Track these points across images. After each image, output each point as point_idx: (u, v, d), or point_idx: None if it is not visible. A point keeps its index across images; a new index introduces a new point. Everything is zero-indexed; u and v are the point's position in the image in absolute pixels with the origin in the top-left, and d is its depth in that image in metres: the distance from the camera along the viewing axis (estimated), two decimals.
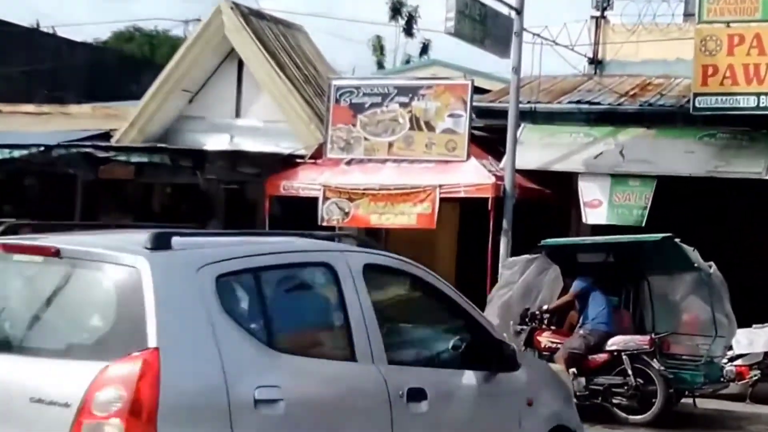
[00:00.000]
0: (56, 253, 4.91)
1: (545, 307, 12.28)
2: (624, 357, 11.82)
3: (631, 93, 16.39)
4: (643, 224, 14.45)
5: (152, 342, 4.55)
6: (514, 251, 14.17)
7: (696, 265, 11.95)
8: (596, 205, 15.14)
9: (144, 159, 17.62)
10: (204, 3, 22.28)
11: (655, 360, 11.75)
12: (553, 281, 12.68)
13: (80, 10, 57.28)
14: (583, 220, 15.31)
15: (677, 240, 11.89)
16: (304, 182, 16.10)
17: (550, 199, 15.96)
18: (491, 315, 12.38)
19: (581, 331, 12.09)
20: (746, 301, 14.18)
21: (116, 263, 4.85)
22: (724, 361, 13.32)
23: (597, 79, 17.46)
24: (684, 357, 12.14)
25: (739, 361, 13.35)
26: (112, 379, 4.48)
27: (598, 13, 18.12)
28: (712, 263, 12.12)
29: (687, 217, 15.38)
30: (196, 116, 18.66)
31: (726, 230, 16.22)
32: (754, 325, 13.53)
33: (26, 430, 4.60)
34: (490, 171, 15.36)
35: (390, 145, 16.14)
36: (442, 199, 15.20)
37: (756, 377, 13.31)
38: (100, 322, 4.91)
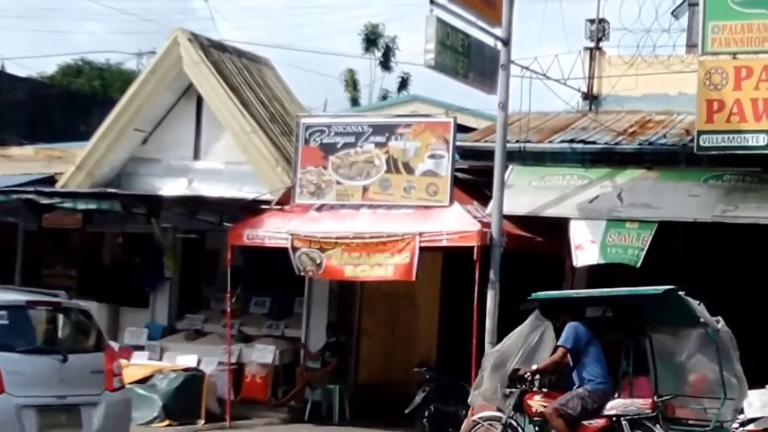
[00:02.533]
0: None
1: (534, 366, 12.24)
2: (624, 423, 11.80)
3: (630, 131, 16.42)
4: (638, 264, 14.46)
5: None
6: (503, 305, 14.15)
7: (702, 320, 11.93)
8: (587, 246, 15.16)
9: (92, 206, 17.43)
10: (160, 34, 22.32)
11: (658, 426, 11.74)
12: (547, 339, 12.65)
13: (23, 41, 57.11)
14: (573, 263, 15.26)
15: (681, 292, 11.89)
16: (270, 231, 16.06)
17: (541, 247, 15.94)
18: (485, 376, 12.39)
19: (580, 390, 12.04)
20: (758, 359, 14.24)
21: None
22: (735, 425, 13.32)
23: (592, 115, 17.51)
24: (690, 422, 12.08)
25: (751, 426, 13.33)
26: None
27: (592, 44, 18.11)
28: (719, 318, 12.11)
29: (692, 265, 15.45)
30: (150, 158, 18.64)
31: (736, 280, 16.26)
32: (767, 386, 13.53)
33: None
34: (475, 217, 15.36)
35: (365, 189, 16.13)
36: (422, 249, 15.16)
37: None
38: None
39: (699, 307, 11.93)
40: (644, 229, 14.84)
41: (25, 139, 22.32)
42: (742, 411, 13.37)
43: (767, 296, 16.31)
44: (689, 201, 14.98)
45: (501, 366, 12.44)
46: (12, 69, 31.16)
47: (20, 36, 60.76)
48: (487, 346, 13.55)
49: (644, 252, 14.64)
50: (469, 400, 12.76)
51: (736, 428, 13.31)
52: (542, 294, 12.66)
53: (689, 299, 11.90)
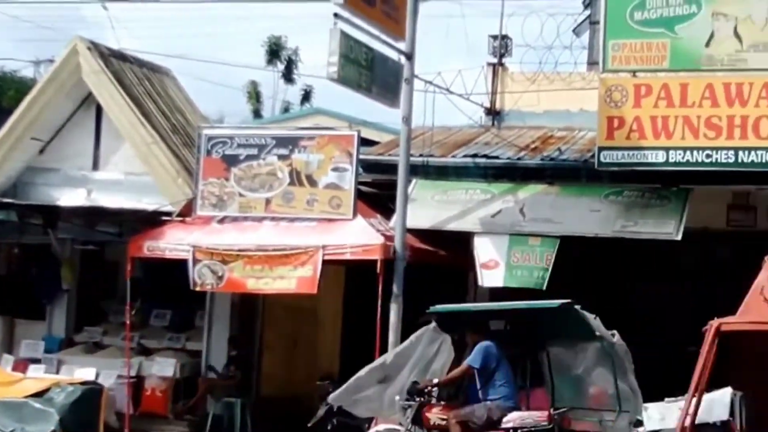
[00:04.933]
0: None
1: (435, 380, 12.32)
2: None
3: (532, 146, 16.56)
4: (544, 287, 14.58)
5: None
6: (406, 318, 14.21)
7: (598, 334, 12.14)
8: (493, 266, 15.26)
9: None
10: (58, 42, 21.99)
11: None
12: (443, 351, 12.75)
13: None
14: (479, 282, 15.43)
15: (578, 307, 12.08)
16: (171, 242, 15.95)
17: (444, 261, 16.06)
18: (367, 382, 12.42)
19: (489, 403, 12.16)
20: (658, 372, 14.49)
21: None
22: None
23: (495, 131, 17.63)
24: None
25: None
26: None
27: (495, 60, 18.26)
28: (615, 332, 12.34)
29: (592, 280, 15.67)
30: (48, 168, 18.34)
31: (635, 294, 16.53)
32: (666, 399, 13.73)
33: None
34: (378, 230, 15.42)
35: (267, 201, 16.11)
36: (325, 262, 15.18)
37: None
38: None
39: (595, 321, 12.14)
40: (547, 246, 15.01)
41: None
42: (640, 423, 13.61)
43: (665, 310, 16.68)
44: (590, 216, 15.17)
45: (390, 379, 12.49)
46: None
47: None
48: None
49: (549, 272, 14.82)
50: (330, 399, 12.77)
51: None
52: (440, 307, 12.77)
53: (585, 313, 12.10)
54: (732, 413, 13.58)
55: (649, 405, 13.57)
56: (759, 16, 14.15)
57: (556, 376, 12.65)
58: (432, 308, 12.76)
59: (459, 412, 12.10)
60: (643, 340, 14.78)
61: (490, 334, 12.55)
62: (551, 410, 12.14)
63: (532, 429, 11.92)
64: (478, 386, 12.29)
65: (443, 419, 12.13)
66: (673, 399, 13.67)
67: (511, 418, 12.04)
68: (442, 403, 12.32)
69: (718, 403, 13.50)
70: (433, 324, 12.71)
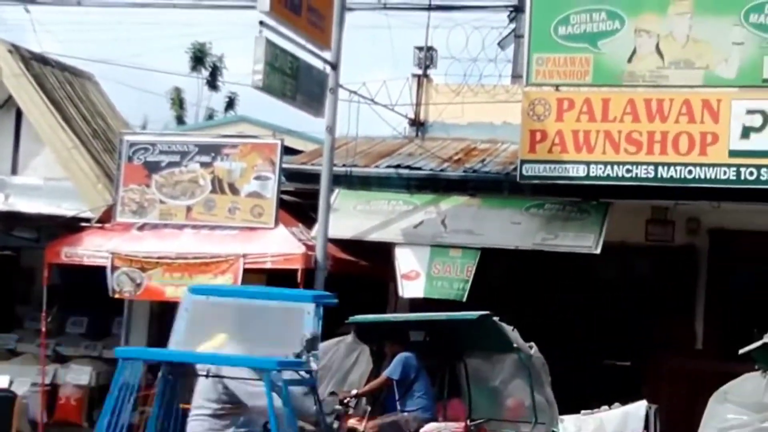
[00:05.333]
0: None
1: (354, 391, 12.29)
2: None
3: (455, 158, 16.61)
4: (464, 299, 14.61)
5: None
6: (326, 328, 14.15)
7: (515, 345, 12.21)
8: (413, 277, 15.27)
9: None
10: None
11: None
12: (361, 362, 12.73)
13: None
14: (400, 293, 15.42)
15: (496, 319, 12.13)
16: (89, 249, 15.76)
17: (366, 271, 16.05)
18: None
19: (406, 415, 12.18)
20: (575, 384, 14.60)
21: None
22: None
23: (418, 142, 17.67)
24: None
25: None
26: None
27: (420, 72, 18.30)
28: (532, 344, 12.42)
29: (512, 292, 15.74)
30: None
31: (554, 307, 16.64)
32: (582, 411, 13.84)
33: None
34: (300, 240, 15.37)
35: (189, 209, 16.00)
36: (246, 270, 15.09)
37: None
38: None
39: (513, 333, 12.20)
40: (468, 257, 15.03)
41: None
42: None
43: (583, 323, 16.81)
44: (511, 228, 15.22)
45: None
46: None
47: None
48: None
49: (469, 284, 14.83)
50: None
51: None
52: (359, 317, 12.75)
53: (503, 325, 12.16)
54: (647, 426, 13.74)
55: (566, 417, 13.68)
56: (680, 34, 14.34)
57: (474, 388, 12.70)
58: (351, 318, 12.75)
59: (376, 423, 12.09)
60: (561, 353, 14.90)
61: (409, 345, 12.56)
62: (468, 421, 12.19)
63: None
64: (397, 397, 12.31)
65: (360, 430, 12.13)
66: (589, 411, 13.78)
67: (428, 429, 12.07)
68: (359, 413, 12.29)
69: (633, 416, 13.64)
70: (352, 334, 12.68)
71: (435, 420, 12.24)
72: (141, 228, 16.05)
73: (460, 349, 12.71)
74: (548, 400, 12.46)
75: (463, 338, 12.60)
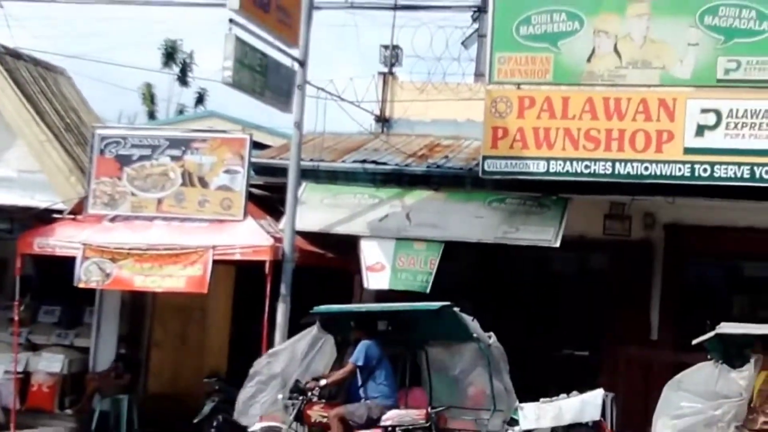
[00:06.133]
0: None
1: (323, 381, 12.32)
2: None
3: (420, 154, 16.65)
4: (428, 291, 14.61)
5: None
6: (293, 318, 14.18)
7: (475, 335, 12.26)
8: (379, 269, 15.26)
9: None
10: None
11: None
12: (325, 352, 12.75)
13: None
14: (365, 285, 15.42)
15: (456, 309, 12.18)
16: (61, 240, 15.68)
17: (332, 263, 16.06)
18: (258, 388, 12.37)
19: (369, 402, 12.23)
20: (534, 373, 14.67)
21: None
22: None
23: (384, 138, 17.69)
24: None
25: None
26: None
27: (386, 69, 18.32)
28: (491, 333, 12.47)
29: (474, 283, 15.79)
30: None
31: (514, 298, 16.71)
32: (542, 399, 13.91)
33: None
34: (268, 232, 15.35)
35: (159, 201, 15.97)
36: (215, 261, 15.06)
37: None
38: None
39: (472, 323, 12.25)
40: (431, 250, 15.06)
41: None
42: (515, 422, 13.76)
43: (542, 314, 16.89)
44: (474, 222, 15.25)
45: (273, 378, 12.45)
46: None
47: None
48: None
49: (432, 276, 14.85)
50: (235, 416, 12.68)
51: None
52: (323, 308, 12.77)
53: (463, 315, 12.21)
54: (604, 413, 13.83)
55: (525, 405, 13.76)
56: (638, 35, 14.42)
57: (435, 376, 12.74)
58: (315, 309, 12.76)
59: (340, 410, 12.14)
60: (520, 343, 14.97)
61: (373, 334, 12.59)
62: (429, 409, 12.23)
63: (410, 427, 12.01)
64: (359, 383, 12.34)
65: (324, 416, 12.15)
66: (548, 399, 13.86)
67: (390, 416, 12.12)
68: (323, 401, 12.31)
69: (590, 404, 13.72)
70: (317, 324, 12.71)
71: (397, 407, 12.28)
72: (112, 220, 16.00)
73: (422, 339, 12.75)
74: (506, 387, 12.52)
75: (425, 328, 12.64)
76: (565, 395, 13.88)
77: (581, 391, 13.90)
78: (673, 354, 13.37)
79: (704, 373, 10.95)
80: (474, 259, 15.50)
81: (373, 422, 12.10)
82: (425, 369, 12.75)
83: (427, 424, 12.03)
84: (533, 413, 13.82)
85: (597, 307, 16.79)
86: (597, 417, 13.75)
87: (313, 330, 12.72)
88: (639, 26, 14.45)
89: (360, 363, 12.30)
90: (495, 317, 14.44)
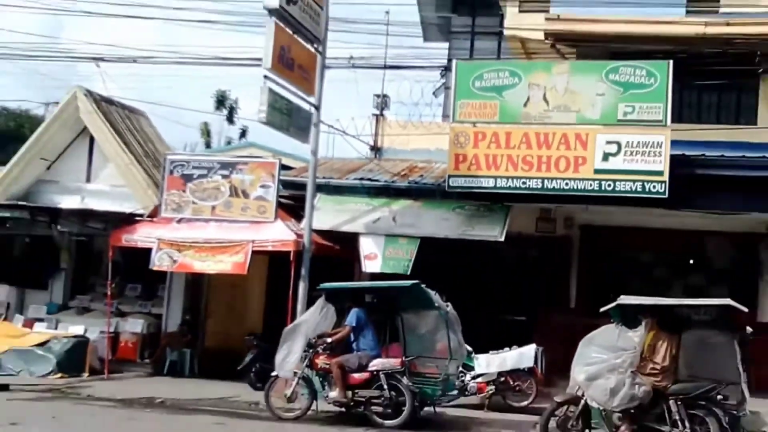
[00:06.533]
0: None
1: (329, 340, 12.28)
2: (381, 375, 11.97)
3: (402, 173, 16.56)
4: (408, 272, 14.56)
5: None
6: (310, 293, 14.12)
7: (437, 305, 12.24)
8: (373, 258, 15.25)
9: (6, 214, 16.91)
10: (62, 89, 21.43)
11: (404, 377, 11.95)
12: (329, 317, 12.69)
13: None
14: (363, 269, 15.40)
15: (423, 286, 12.17)
16: (141, 236, 15.65)
17: (338, 253, 16.01)
18: (295, 346, 12.29)
19: (360, 353, 12.20)
20: (485, 333, 14.65)
21: None
22: (468, 378, 13.65)
23: (376, 162, 17.62)
24: (427, 375, 12.30)
25: (479, 379, 13.68)
26: None
27: (378, 112, 18.32)
28: (449, 303, 12.43)
29: (443, 267, 15.73)
30: (52, 180, 17.91)
31: (469, 279, 16.68)
32: (491, 351, 13.91)
33: None
34: (292, 230, 15.30)
35: (213, 208, 15.88)
36: (253, 252, 15.04)
37: (491, 392, 13.68)
38: None
39: (435, 296, 12.23)
40: (411, 244, 15.07)
41: None
42: (472, 368, 13.75)
43: (491, 290, 16.86)
44: (442, 223, 15.25)
45: (298, 340, 12.39)
46: None
47: None
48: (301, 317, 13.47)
49: (411, 262, 14.88)
50: (276, 372, 12.57)
51: (469, 380, 13.66)
52: (327, 285, 12.73)
53: (428, 290, 12.17)
54: (535, 362, 13.84)
55: (479, 356, 13.76)
56: (560, 87, 14.40)
57: (407, 335, 12.67)
58: (321, 285, 12.74)
59: (339, 359, 12.09)
60: (474, 311, 14.98)
61: (363, 304, 12.56)
62: (403, 358, 12.21)
63: (390, 371, 11.99)
64: (353, 339, 12.32)
65: (327, 364, 12.12)
66: (495, 351, 13.89)
67: (375, 364, 12.10)
68: (327, 352, 12.27)
69: (526, 355, 13.76)
70: (323, 297, 12.67)
71: (379, 356, 12.26)
72: (179, 221, 15.93)
73: (398, 307, 12.70)
74: (460, 342, 12.48)
75: (400, 300, 12.60)
76: (507, 349, 13.89)
77: (519, 345, 13.92)
78: (586, 318, 13.33)
79: (609, 333, 10.90)
80: (441, 250, 15.41)
81: (362, 368, 12.08)
82: (400, 329, 12.69)
83: (402, 369, 12.01)
84: (485, 362, 13.83)
85: (531, 284, 16.80)
86: (531, 364, 13.77)
87: (321, 301, 12.68)
88: (561, 81, 14.44)
89: (353, 324, 12.28)
90: (456, 293, 14.39)
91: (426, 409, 12.37)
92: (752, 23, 15.03)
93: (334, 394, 12.05)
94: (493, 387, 13.65)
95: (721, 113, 15.98)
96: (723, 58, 15.31)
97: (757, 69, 15.48)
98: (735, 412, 10.46)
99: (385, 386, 11.90)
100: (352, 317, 12.30)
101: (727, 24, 15.08)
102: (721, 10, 15.72)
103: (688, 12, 15.80)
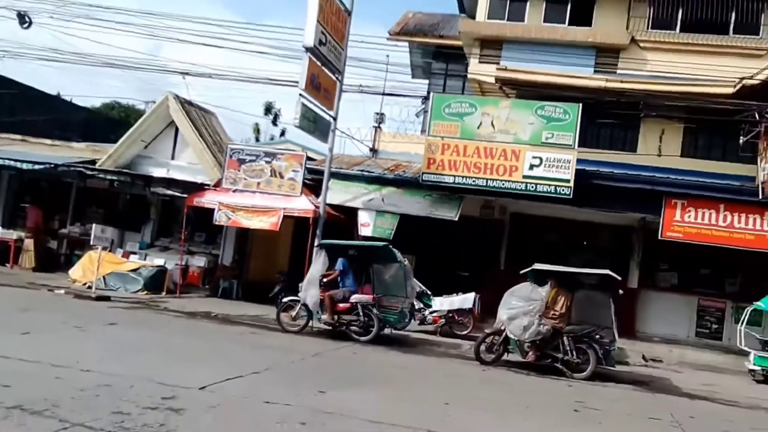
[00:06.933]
0: None
1: (324, 280, 12.09)
2: (359, 306, 11.90)
3: (391, 169, 16.48)
4: (391, 238, 14.54)
5: None
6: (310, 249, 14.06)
7: (399, 260, 12.15)
8: (366, 225, 15.23)
9: (115, 178, 16.75)
10: (158, 92, 21.14)
11: (375, 309, 11.89)
12: (323, 262, 12.45)
13: (82, 86, 53.66)
14: (359, 233, 15.36)
15: (391, 246, 12.08)
16: (208, 200, 15.54)
17: (343, 221, 15.96)
18: (312, 290, 12.17)
19: (345, 290, 12.11)
20: (443, 283, 14.68)
21: None
22: (427, 313, 13.69)
23: (373, 159, 17.54)
24: (390, 308, 12.18)
25: (435, 314, 13.75)
26: None
27: (376, 125, 18.27)
28: (406, 258, 12.32)
29: (414, 236, 15.76)
30: (147, 156, 17.74)
31: (430, 247, 16.69)
32: (444, 295, 13.97)
33: None
34: (312, 203, 15.20)
35: (258, 183, 15.77)
36: (285, 216, 14.98)
37: (442, 323, 13.75)
38: None
39: (398, 254, 12.08)
40: (394, 218, 15.04)
41: (81, 139, 20.75)
42: (430, 306, 13.78)
43: (448, 254, 16.85)
44: (416, 205, 15.21)
45: (313, 284, 12.26)
46: (77, 101, 28.88)
47: (81, 80, 56.37)
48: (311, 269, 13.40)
49: (393, 231, 14.84)
50: (301, 299, 12.49)
51: (428, 314, 13.70)
52: (324, 241, 12.64)
53: (395, 250, 12.06)
54: (474, 305, 13.89)
55: (435, 298, 13.79)
56: (503, 117, 14.39)
57: (377, 280, 12.53)
58: (321, 241, 12.64)
59: (330, 293, 11.95)
60: (433, 268, 14.99)
61: (347, 256, 12.41)
62: (374, 295, 12.14)
63: (365, 303, 11.90)
64: (339, 280, 12.23)
65: (322, 296, 11.99)
66: (447, 295, 13.92)
67: (354, 298, 12.00)
68: (322, 287, 12.05)
69: (467, 299, 13.80)
70: (323, 250, 12.49)
71: (357, 293, 12.20)
72: (234, 191, 15.84)
73: (372, 260, 12.59)
74: (413, 287, 12.41)
75: (374, 255, 12.43)
76: (455, 294, 13.95)
77: (464, 292, 13.97)
78: (510, 277, 13.41)
79: (525, 288, 10.98)
80: (414, 224, 15.42)
81: (345, 300, 11.96)
82: (372, 275, 12.60)
83: (373, 303, 11.93)
84: (439, 302, 13.88)
85: (474, 251, 16.82)
86: (470, 306, 13.83)
87: (319, 251, 12.50)
88: (504, 113, 14.43)
89: (340, 269, 12.19)
90: (423, 254, 14.43)
91: (387, 330, 12.27)
92: (638, 82, 15.02)
93: (325, 317, 11.95)
94: (443, 320, 13.70)
95: (613, 143, 15.97)
96: (617, 104, 15.31)
97: (640, 114, 15.48)
98: (608, 347, 10.60)
99: (361, 314, 11.82)
100: (339, 264, 12.19)
101: (621, 81, 15.07)
102: (618, 70, 15.69)
103: (595, 71, 15.78)
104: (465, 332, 13.63)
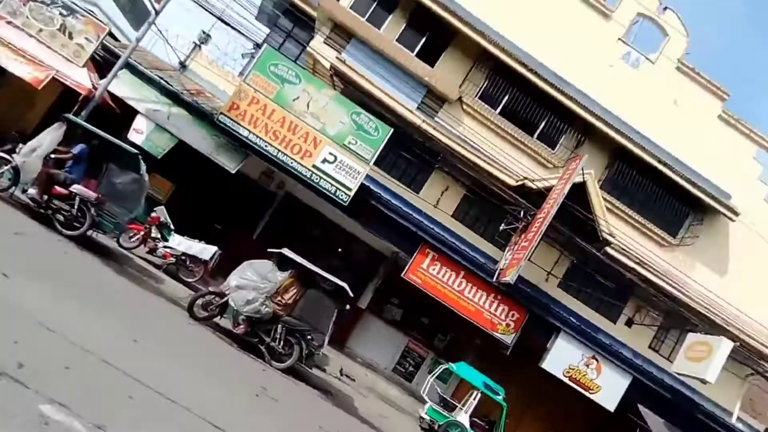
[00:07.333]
0: None
1: (53, 156, 10.83)
2: (77, 198, 10.79)
3: (192, 91, 15.31)
4: (159, 157, 13.48)
5: None
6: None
7: (141, 173, 11.25)
8: (140, 132, 14.02)
9: None
10: None
11: (93, 209, 10.85)
12: (59, 139, 11.08)
13: None
14: (128, 136, 13.95)
15: (140, 157, 11.12)
16: None
17: (117, 115, 14.42)
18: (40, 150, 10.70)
19: (68, 175, 10.86)
20: (196, 225, 13.96)
21: None
22: (161, 245, 12.93)
23: (178, 73, 16.21)
24: (109, 214, 11.20)
25: (168, 250, 13.04)
26: None
27: (199, 43, 16.96)
28: (147, 175, 11.45)
29: (184, 171, 14.83)
30: None
31: (202, 190, 15.91)
32: (186, 236, 13.33)
33: None
34: (92, 81, 13.56)
35: (40, 30, 13.56)
36: (54, 79, 13.04)
37: (172, 262, 13.04)
38: None
39: (143, 165, 11.12)
40: (171, 140, 14.14)
41: None
42: (167, 240, 12.97)
43: (212, 203, 16.12)
44: (201, 140, 14.35)
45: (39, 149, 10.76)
46: None
47: None
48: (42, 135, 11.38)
49: (165, 152, 13.86)
50: (15, 156, 10.81)
51: (161, 247, 12.93)
52: (72, 117, 11.20)
53: (142, 162, 11.06)
54: (211, 259, 13.39)
55: (176, 235, 13.01)
56: (321, 103, 14.35)
57: (107, 181, 11.38)
58: (66, 115, 11.06)
59: (50, 170, 10.75)
60: (196, 213, 14.14)
61: (90, 145, 11.13)
62: (99, 195, 11.04)
63: (86, 198, 10.80)
64: (69, 165, 10.97)
65: (39, 169, 10.67)
66: (189, 238, 13.21)
67: (76, 188, 10.84)
68: (46, 161, 10.75)
69: (207, 251, 13.33)
70: (65, 125, 10.99)
71: (79, 185, 10.97)
72: (9, 23, 13.42)
73: (112, 160, 11.32)
74: (141, 204, 11.43)
75: (118, 156, 11.18)
76: (198, 241, 13.36)
77: (207, 243, 13.44)
78: (258, 249, 13.23)
79: (265, 265, 10.91)
80: (190, 155, 14.45)
81: (65, 186, 10.77)
82: (104, 175, 11.33)
83: (96, 202, 10.86)
84: (178, 240, 13.16)
85: (237, 211, 16.28)
86: (207, 258, 13.26)
87: (59, 125, 11.04)
88: (323, 100, 14.40)
89: (76, 153, 10.95)
90: (184, 189, 13.52)
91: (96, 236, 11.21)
92: (447, 137, 15.92)
93: (33, 191, 10.65)
94: (173, 259, 13.04)
95: (404, 177, 16.61)
96: (421, 146, 16.09)
97: (435, 163, 16.42)
98: (314, 350, 10.90)
99: (76, 206, 10.73)
100: (78, 149, 10.96)
101: (435, 129, 15.86)
102: (437, 118, 16.54)
103: (418, 107, 16.42)
104: (190, 280, 13.09)
